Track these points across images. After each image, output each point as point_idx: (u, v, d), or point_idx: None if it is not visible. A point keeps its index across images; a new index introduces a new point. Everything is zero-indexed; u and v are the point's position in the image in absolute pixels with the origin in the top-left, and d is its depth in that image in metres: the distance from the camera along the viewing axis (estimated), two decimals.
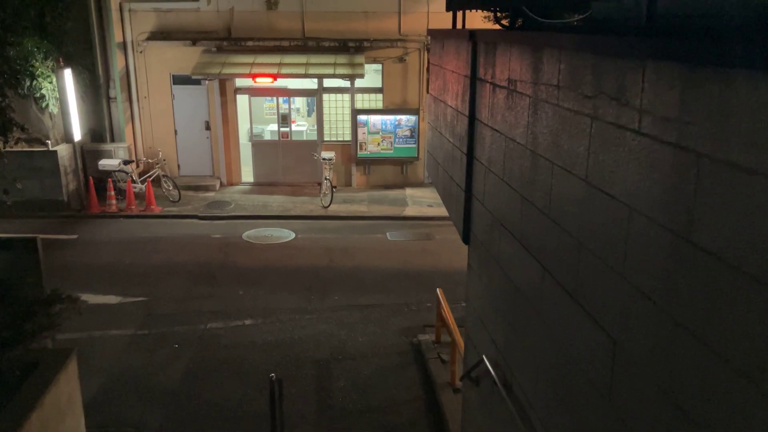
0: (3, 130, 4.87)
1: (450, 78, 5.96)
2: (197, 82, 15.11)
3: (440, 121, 6.48)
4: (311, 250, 11.80)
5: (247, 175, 15.93)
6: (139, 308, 9.35)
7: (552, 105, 3.47)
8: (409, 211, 14.01)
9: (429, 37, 14.79)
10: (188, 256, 11.39)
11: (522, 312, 4.10)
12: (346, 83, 14.73)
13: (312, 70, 14.22)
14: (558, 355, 3.46)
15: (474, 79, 5.08)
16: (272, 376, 5.22)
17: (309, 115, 17.89)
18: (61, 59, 12.55)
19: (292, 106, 16.50)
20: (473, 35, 4.99)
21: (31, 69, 12.41)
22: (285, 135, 15.75)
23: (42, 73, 12.66)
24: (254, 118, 16.07)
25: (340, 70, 14.16)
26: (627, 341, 2.65)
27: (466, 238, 5.49)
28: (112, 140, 14.65)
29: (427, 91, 15.41)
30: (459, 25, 6.01)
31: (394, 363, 8.02)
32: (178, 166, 15.59)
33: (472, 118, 5.16)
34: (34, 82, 12.58)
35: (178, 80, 15.11)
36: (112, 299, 9.57)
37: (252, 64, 14.25)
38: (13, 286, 5.25)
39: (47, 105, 13.05)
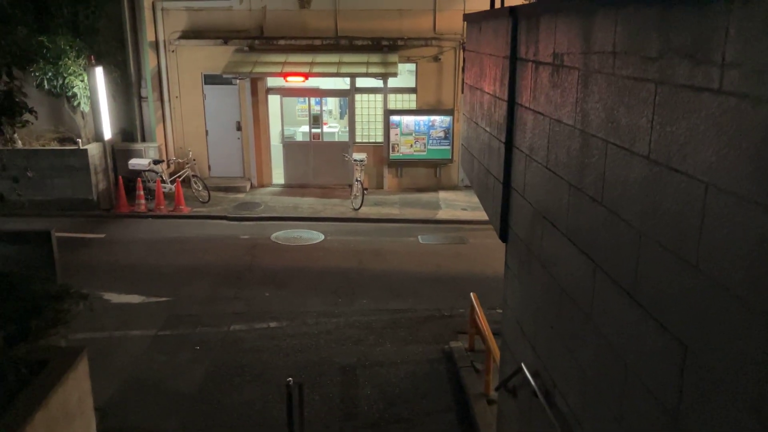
0: (11, 113, 4.60)
1: (487, 63, 5.52)
2: (229, 82, 14.93)
3: (476, 110, 6.04)
4: (340, 253, 11.43)
5: (278, 176, 15.68)
6: (162, 309, 9.08)
7: (606, 75, 3.02)
8: (443, 214, 13.55)
9: (465, 24, 14.38)
10: (215, 256, 11.13)
11: (567, 315, 3.63)
12: (378, 83, 14.37)
13: (344, 69, 13.90)
14: (612, 364, 2.99)
15: (514, 60, 4.64)
16: (289, 381, 4.83)
17: (341, 117, 17.58)
18: (92, 57, 12.47)
19: (324, 108, 16.22)
20: (513, 11, 4.56)
21: (63, 66, 12.36)
22: (316, 136, 15.46)
23: (74, 71, 12.61)
24: (286, 120, 15.82)
25: (373, 69, 13.81)
26: (702, 347, 2.18)
27: (503, 236, 5.03)
28: (143, 140, 14.55)
29: (462, 91, 14.95)
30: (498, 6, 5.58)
31: (424, 371, 7.57)
32: (209, 166, 15.42)
33: (512, 103, 4.71)
34: (66, 80, 12.52)
35: (210, 80, 14.96)
36: (134, 299, 9.34)
37: (284, 63, 14.01)
38: (23, 280, 4.99)
39: (79, 104, 13.00)
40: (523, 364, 4.38)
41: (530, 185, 4.34)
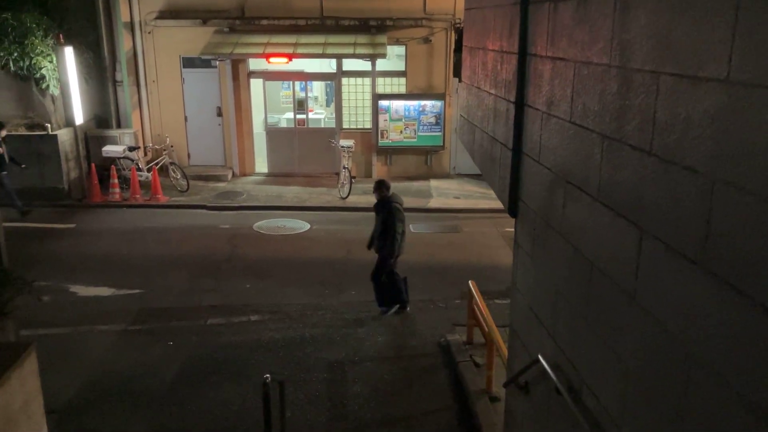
0: None
1: (491, 16, 4.88)
2: (208, 66, 14.20)
3: (478, 73, 5.40)
4: (327, 242, 10.76)
5: (261, 165, 14.97)
6: (133, 301, 8.38)
7: None
8: (434, 202, 12.92)
9: (455, 16, 13.67)
10: (192, 247, 10.42)
11: (600, 296, 3.01)
12: (366, 66, 13.70)
13: (330, 50, 13.21)
14: (667, 354, 2.37)
15: (525, 5, 4.00)
16: (267, 378, 4.18)
17: (328, 104, 16.85)
18: (61, 36, 11.69)
19: (310, 94, 15.51)
20: None
21: (29, 46, 11.57)
22: (301, 122, 14.75)
23: (42, 51, 11.82)
24: (270, 107, 15.10)
25: (361, 50, 13.13)
26: None
27: (512, 209, 4.40)
28: (118, 126, 13.78)
29: (455, 75, 14.30)
30: None
31: (419, 366, 6.93)
32: (188, 155, 14.67)
33: (523, 55, 4.07)
34: (33, 61, 11.73)
35: (189, 63, 14.21)
36: (104, 291, 8.62)
37: (266, 44, 13.29)
38: None
39: (47, 86, 12.20)
40: (540, 357, 3.75)
41: (548, 147, 3.71)
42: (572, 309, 3.37)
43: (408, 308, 8.21)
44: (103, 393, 6.37)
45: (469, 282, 7.08)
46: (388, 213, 7.82)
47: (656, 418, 2.48)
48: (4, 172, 11.38)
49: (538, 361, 3.77)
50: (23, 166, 11.55)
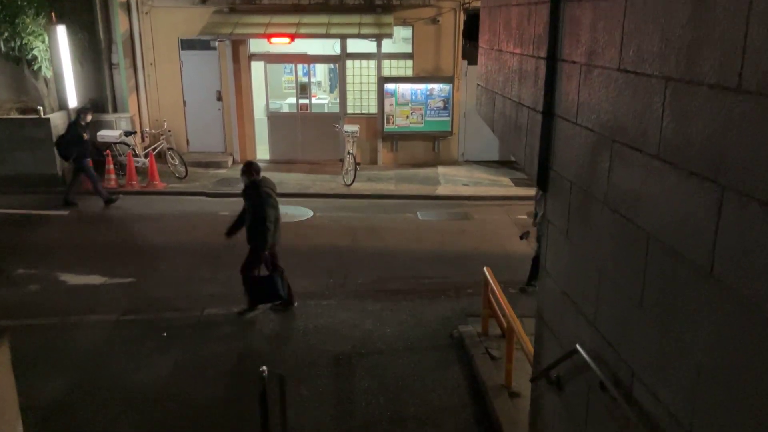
0: None
1: None
2: (208, 48, 13.68)
3: (499, 34, 4.88)
4: (331, 229, 10.27)
5: (263, 152, 14.45)
6: (127, 290, 7.90)
7: None
8: (442, 190, 12.41)
9: None
10: (191, 234, 9.94)
11: (660, 273, 2.51)
12: (371, 48, 13.17)
13: (334, 30, 12.68)
14: (761, 342, 1.87)
15: None
16: (263, 370, 3.69)
17: (332, 90, 16.28)
18: (53, 14, 11.18)
19: (313, 79, 14.97)
20: None
21: (20, 25, 11.07)
22: (304, 107, 14.22)
23: (33, 31, 11.33)
24: (272, 92, 14.57)
25: (366, 30, 12.59)
26: None
27: (542, 182, 3.90)
28: (115, 111, 13.27)
29: (464, 57, 13.83)
30: None
31: (431, 360, 6.44)
32: (187, 140, 14.17)
33: (556, 2, 3.56)
34: (24, 41, 11.23)
35: (187, 45, 13.69)
36: (95, 280, 8.14)
37: (268, 24, 12.76)
38: None
39: (39, 68, 11.72)
40: (578, 347, 3.25)
41: (588, 105, 3.20)
42: (620, 291, 2.87)
43: (295, 303, 7.37)
44: (92, 388, 5.89)
45: (484, 269, 6.59)
46: (257, 198, 6.91)
47: (745, 425, 1.99)
48: (88, 158, 10.95)
49: (576, 352, 3.28)
50: (105, 153, 11.41)
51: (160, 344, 6.67)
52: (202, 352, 6.51)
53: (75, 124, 10.89)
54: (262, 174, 7.24)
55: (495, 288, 6.15)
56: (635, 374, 2.76)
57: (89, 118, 11.03)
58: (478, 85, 5.69)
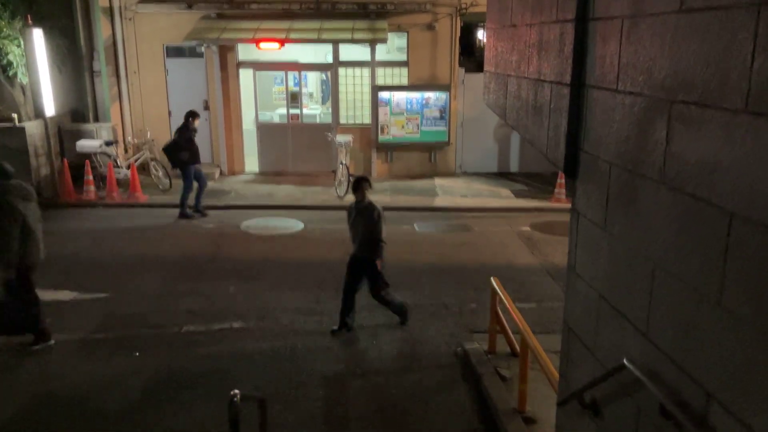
0: None
1: None
2: (194, 55, 13.14)
3: (511, 9, 4.31)
4: (323, 242, 9.64)
5: (252, 164, 13.85)
6: (99, 306, 7.22)
7: None
8: (440, 201, 11.82)
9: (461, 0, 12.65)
10: (172, 247, 9.28)
11: (751, 260, 1.90)
12: (365, 55, 12.66)
13: (326, 35, 12.16)
14: None
15: None
16: (235, 395, 3.05)
17: (324, 101, 15.70)
18: (29, 17, 10.60)
19: (304, 90, 14.43)
20: None
21: None
22: (295, 117, 13.66)
23: (8, 35, 10.75)
24: (262, 103, 14.01)
25: (359, 35, 12.09)
26: None
27: (570, 167, 3.30)
28: (96, 120, 12.66)
29: (461, 65, 13.34)
30: None
31: (433, 380, 5.78)
32: None
33: None
34: None
35: (173, 53, 13.14)
36: (65, 295, 7.47)
37: (257, 30, 12.24)
38: None
39: (15, 74, 11.11)
40: (626, 362, 2.63)
41: (635, 65, 2.62)
42: (686, 288, 2.26)
43: (51, 341, 6.22)
44: (51, 412, 5.22)
45: (491, 279, 5.96)
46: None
47: None
48: (196, 164, 10.41)
49: (623, 368, 2.65)
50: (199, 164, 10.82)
51: (132, 364, 5.99)
52: (178, 372, 5.83)
53: (184, 129, 10.35)
54: (13, 180, 6.02)
55: (505, 300, 5.52)
56: (712, 396, 2.14)
57: (197, 122, 10.51)
58: (485, 71, 5.12)
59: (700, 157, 2.18)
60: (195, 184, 10.56)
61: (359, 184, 6.47)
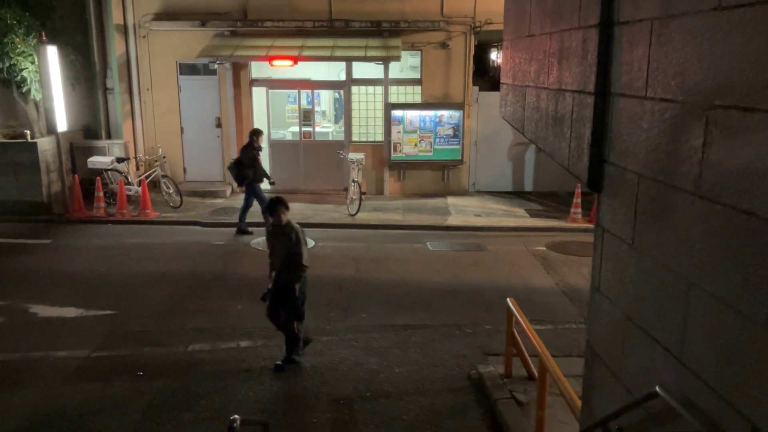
0: None
1: None
2: (207, 73, 13.13)
3: (529, 18, 4.15)
4: (333, 259, 9.46)
5: (263, 183, 13.70)
6: (104, 324, 7.07)
7: None
8: (453, 220, 11.62)
9: (475, 18, 12.61)
10: (180, 264, 9.14)
11: None
12: (378, 73, 12.58)
13: (339, 53, 12.09)
14: None
15: None
16: (234, 420, 2.86)
17: (336, 120, 15.59)
18: (43, 34, 10.63)
19: (317, 109, 14.36)
20: None
21: (9, 45, 10.53)
22: (307, 135, 13.57)
23: (23, 51, 10.78)
24: (275, 122, 13.96)
25: (372, 53, 12.01)
26: None
27: (595, 180, 3.11)
28: (108, 137, 12.64)
29: (474, 83, 13.23)
30: None
31: (446, 404, 5.55)
32: (184, 169, 13.49)
33: None
34: (13, 61, 10.67)
35: (186, 70, 13.15)
36: (69, 312, 7.32)
37: (270, 47, 12.21)
38: None
39: (29, 90, 11.13)
40: (659, 389, 2.41)
41: (665, 69, 2.45)
42: (727, 310, 2.06)
43: None
44: None
45: (508, 300, 5.74)
46: None
47: None
48: (259, 183, 10.57)
49: (655, 396, 2.44)
50: (272, 181, 11.10)
51: (134, 384, 5.81)
52: (182, 392, 5.64)
53: (249, 147, 10.43)
54: None
55: (522, 320, 5.30)
56: (759, 431, 1.92)
57: (261, 140, 10.64)
58: (502, 84, 4.96)
59: (742, 165, 1.98)
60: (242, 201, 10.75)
61: (275, 208, 5.94)
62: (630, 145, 2.77)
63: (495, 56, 16.22)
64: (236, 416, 2.97)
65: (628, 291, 2.85)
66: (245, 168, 10.36)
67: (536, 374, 5.67)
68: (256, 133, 10.58)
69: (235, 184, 13.14)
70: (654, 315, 2.58)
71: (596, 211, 3.21)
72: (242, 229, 10.76)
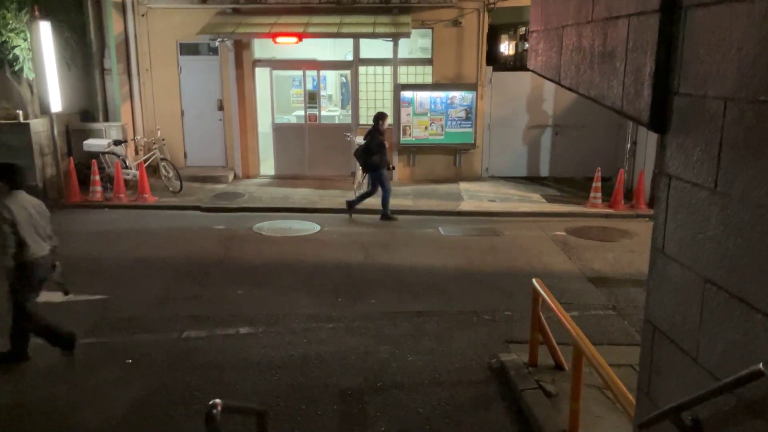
0: None
1: None
2: (209, 53, 12.60)
3: None
4: (341, 245, 8.91)
5: (267, 167, 13.23)
6: (93, 309, 6.56)
7: None
8: (466, 205, 11.05)
9: None
10: (177, 249, 8.62)
11: None
12: (386, 52, 12.01)
13: (346, 29, 11.52)
14: None
15: None
16: (215, 406, 2.32)
17: (343, 105, 15.03)
18: (37, 8, 10.11)
19: (323, 92, 13.81)
20: None
21: (1, 21, 10.02)
22: (312, 118, 13.02)
23: (15, 27, 10.27)
24: (279, 106, 13.43)
25: (381, 29, 11.44)
26: None
27: (658, 117, 2.54)
28: (106, 120, 12.13)
29: (487, 62, 12.66)
30: None
31: (466, 396, 5.00)
32: (185, 153, 12.97)
33: None
34: (4, 38, 10.16)
35: (187, 50, 12.61)
36: (57, 297, 6.77)
37: (273, 24, 11.66)
38: None
39: (21, 68, 10.62)
40: (764, 367, 1.85)
41: None
42: None
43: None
44: (25, 427, 4.53)
45: (533, 280, 5.20)
46: None
47: None
48: (384, 169, 10.02)
49: (759, 375, 1.88)
50: (392, 167, 10.52)
51: (123, 373, 5.29)
52: (173, 383, 5.12)
53: (375, 132, 9.91)
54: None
55: (551, 302, 4.74)
56: None
57: (386, 123, 10.09)
58: (531, 32, 4.40)
59: None
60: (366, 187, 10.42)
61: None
62: (712, 65, 2.20)
63: (506, 45, 15.59)
64: (217, 400, 2.39)
65: (708, 250, 2.28)
66: (373, 154, 9.80)
67: (565, 363, 5.14)
68: (381, 117, 9.96)
69: (239, 170, 12.67)
70: (753, 275, 2.02)
71: (659, 159, 2.64)
72: (387, 215, 10.17)
